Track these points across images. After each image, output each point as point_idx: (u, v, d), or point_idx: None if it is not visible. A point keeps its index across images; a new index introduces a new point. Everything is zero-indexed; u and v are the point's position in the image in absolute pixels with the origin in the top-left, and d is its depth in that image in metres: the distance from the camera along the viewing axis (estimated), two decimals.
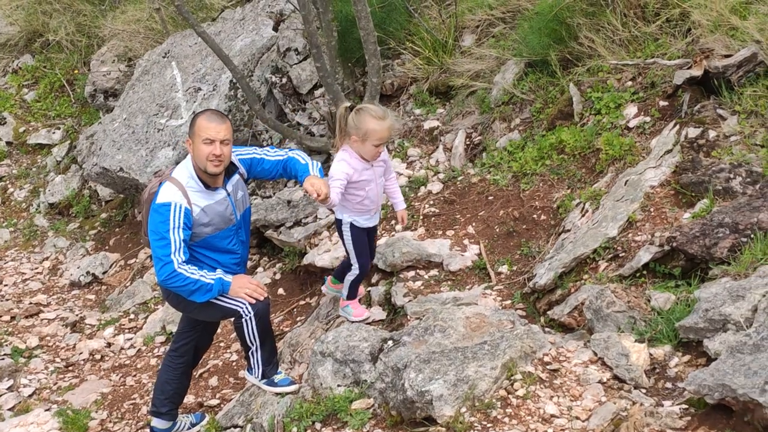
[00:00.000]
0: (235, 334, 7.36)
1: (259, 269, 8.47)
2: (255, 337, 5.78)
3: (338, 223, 6.07)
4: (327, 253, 7.47)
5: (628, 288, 5.34)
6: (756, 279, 4.63)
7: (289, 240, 8.01)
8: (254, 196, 9.00)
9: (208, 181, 5.54)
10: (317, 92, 9.44)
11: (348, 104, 5.82)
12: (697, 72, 6.60)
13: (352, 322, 6.18)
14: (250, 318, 5.68)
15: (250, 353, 5.91)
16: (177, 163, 9.09)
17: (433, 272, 6.68)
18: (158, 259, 5.40)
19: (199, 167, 5.48)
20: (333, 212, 5.81)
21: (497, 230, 6.90)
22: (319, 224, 7.85)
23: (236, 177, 5.75)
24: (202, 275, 5.47)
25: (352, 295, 6.35)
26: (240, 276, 5.75)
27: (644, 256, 5.50)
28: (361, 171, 5.76)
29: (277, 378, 5.94)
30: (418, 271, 6.70)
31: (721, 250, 5.13)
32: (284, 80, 9.50)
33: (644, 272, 5.48)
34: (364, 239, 6.10)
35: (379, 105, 5.67)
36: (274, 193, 8.94)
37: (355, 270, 6.15)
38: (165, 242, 5.35)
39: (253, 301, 5.61)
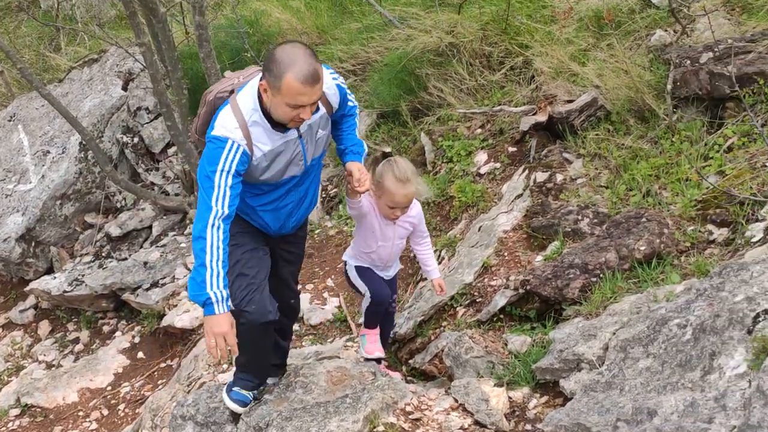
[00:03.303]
0: (93, 412, 7.18)
1: (117, 333, 8.25)
2: None
3: (344, 266, 5.36)
4: (186, 313, 7.35)
5: (485, 333, 5.40)
6: (606, 317, 4.74)
7: (146, 302, 7.87)
8: (109, 259, 8.78)
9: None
10: (170, 151, 9.34)
11: (388, 149, 5.02)
12: (542, 118, 6.80)
13: (364, 357, 5.35)
14: None
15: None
16: (28, 229, 8.92)
17: (294, 327, 6.63)
18: (201, 200, 4.24)
19: (269, 112, 4.27)
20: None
21: None
22: (177, 284, 7.73)
23: (319, 114, 4.44)
24: (216, 268, 4.16)
25: (369, 323, 5.37)
26: (228, 318, 4.21)
27: (500, 300, 5.58)
28: (383, 225, 5.03)
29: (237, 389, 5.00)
30: None
31: (572, 290, 5.24)
32: (136, 140, 9.37)
33: (501, 316, 5.56)
34: (371, 270, 5.24)
35: (409, 165, 4.93)
36: (129, 255, 8.74)
37: (367, 297, 5.24)
38: (209, 183, 4.19)
39: (214, 356, 4.25)
